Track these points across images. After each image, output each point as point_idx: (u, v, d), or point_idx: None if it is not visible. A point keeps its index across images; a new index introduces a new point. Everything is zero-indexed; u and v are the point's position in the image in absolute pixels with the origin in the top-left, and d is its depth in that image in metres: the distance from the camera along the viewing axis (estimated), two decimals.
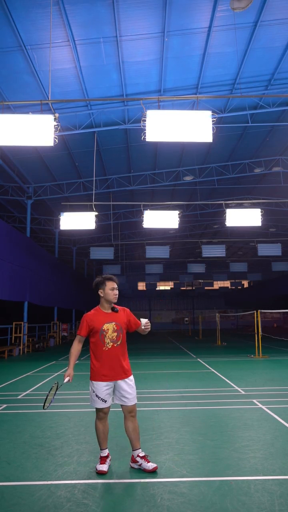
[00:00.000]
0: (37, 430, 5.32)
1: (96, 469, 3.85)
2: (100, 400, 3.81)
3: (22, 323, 19.18)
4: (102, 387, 3.81)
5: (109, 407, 3.90)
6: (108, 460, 3.95)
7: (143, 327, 3.98)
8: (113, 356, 3.83)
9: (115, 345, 3.85)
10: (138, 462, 3.90)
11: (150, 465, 3.84)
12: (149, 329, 4.08)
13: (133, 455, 3.96)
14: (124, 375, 3.87)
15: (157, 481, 3.64)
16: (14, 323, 18.72)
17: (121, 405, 3.91)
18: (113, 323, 3.88)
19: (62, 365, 12.81)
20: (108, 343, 3.83)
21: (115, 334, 3.86)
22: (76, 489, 3.49)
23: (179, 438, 4.85)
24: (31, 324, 21.92)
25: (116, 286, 3.98)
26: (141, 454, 3.91)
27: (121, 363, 3.86)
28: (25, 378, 10.10)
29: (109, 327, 3.85)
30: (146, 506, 3.19)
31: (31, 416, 6.15)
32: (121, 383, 3.85)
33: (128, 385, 3.87)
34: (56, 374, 10.63)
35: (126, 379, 3.87)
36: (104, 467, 3.85)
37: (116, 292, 3.94)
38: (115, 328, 3.87)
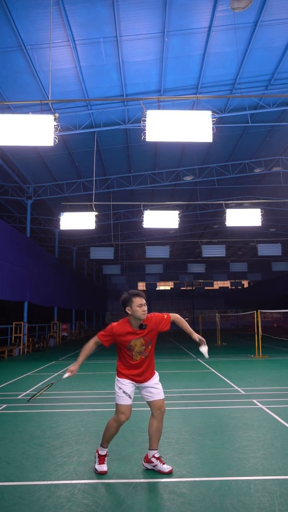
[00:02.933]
0: (37, 430, 5.32)
1: (97, 470, 3.83)
2: (127, 396, 3.77)
3: (22, 323, 19.18)
4: (128, 383, 3.80)
5: (131, 409, 3.85)
6: (106, 459, 3.95)
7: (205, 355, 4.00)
8: (141, 366, 3.82)
9: (143, 357, 3.80)
10: (153, 463, 3.86)
11: (166, 467, 3.81)
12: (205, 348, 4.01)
13: (147, 455, 3.92)
14: (150, 377, 3.89)
15: (157, 481, 3.64)
16: (14, 323, 18.72)
17: (150, 402, 3.87)
18: (141, 338, 3.76)
19: (62, 365, 12.81)
20: (136, 356, 3.78)
21: (143, 347, 3.78)
22: (76, 489, 3.49)
23: (179, 438, 4.85)
24: (31, 324, 21.92)
25: (144, 301, 3.73)
26: (157, 455, 3.88)
27: (148, 369, 3.87)
28: (25, 378, 10.10)
29: (137, 343, 3.75)
30: (146, 506, 3.19)
31: (31, 416, 6.14)
32: (147, 383, 3.87)
33: (154, 381, 3.89)
34: (56, 374, 10.63)
35: (152, 378, 3.91)
36: (104, 467, 3.85)
37: (145, 308, 3.71)
38: (143, 342, 3.77)
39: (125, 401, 3.78)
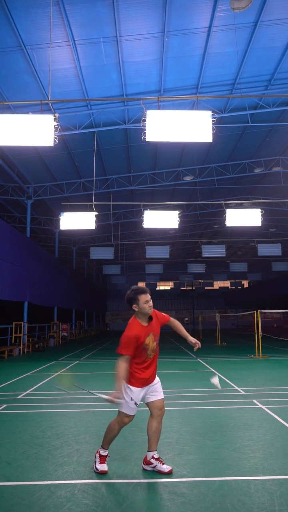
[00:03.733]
0: (37, 430, 5.32)
1: (97, 469, 3.83)
2: (136, 407, 3.77)
3: (22, 323, 19.18)
4: (140, 392, 3.78)
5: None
6: (107, 459, 3.96)
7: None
8: (153, 363, 3.85)
9: (155, 353, 3.84)
10: (152, 464, 3.85)
11: (166, 467, 3.82)
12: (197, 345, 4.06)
13: (146, 457, 3.91)
14: (156, 374, 3.94)
15: (157, 481, 3.64)
16: (14, 323, 18.71)
17: (152, 403, 3.87)
18: (151, 334, 3.78)
19: (62, 365, 12.81)
20: (150, 354, 3.79)
21: (155, 344, 3.81)
22: (76, 489, 3.49)
23: (179, 438, 4.85)
24: (31, 324, 21.92)
25: (149, 297, 3.75)
26: (156, 456, 3.87)
27: (156, 367, 3.92)
28: (25, 378, 10.10)
29: (150, 340, 3.76)
30: (146, 506, 3.19)
31: (31, 416, 6.14)
32: (153, 382, 3.90)
33: (157, 379, 3.94)
34: (56, 374, 10.63)
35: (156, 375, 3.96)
36: (105, 467, 3.85)
37: (151, 303, 3.74)
38: (153, 338, 3.80)
39: (133, 411, 3.79)
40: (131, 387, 3.75)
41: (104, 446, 3.93)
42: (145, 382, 3.79)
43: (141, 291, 3.74)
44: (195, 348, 4.03)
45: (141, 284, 56.26)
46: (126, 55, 12.22)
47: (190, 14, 10.94)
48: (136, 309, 3.74)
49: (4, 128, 10.13)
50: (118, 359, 3.69)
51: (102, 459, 3.90)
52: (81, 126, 15.31)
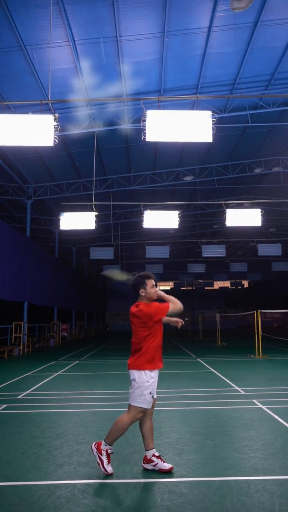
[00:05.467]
0: (37, 430, 5.32)
1: (107, 471, 3.69)
2: (152, 397, 3.71)
3: (22, 323, 19.17)
4: (155, 376, 3.76)
5: None
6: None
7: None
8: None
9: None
10: (153, 462, 3.81)
11: (167, 465, 3.81)
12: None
13: (146, 456, 3.86)
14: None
15: (157, 481, 3.63)
16: (14, 323, 18.71)
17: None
18: None
19: (62, 365, 12.80)
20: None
21: None
22: (76, 489, 3.49)
23: (179, 438, 4.85)
24: (31, 324, 21.92)
25: (155, 282, 3.86)
26: (157, 454, 3.85)
27: None
28: (25, 378, 10.10)
29: None
30: (146, 506, 3.19)
31: (31, 416, 6.14)
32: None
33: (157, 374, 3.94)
34: (56, 374, 10.63)
35: None
36: (111, 468, 3.77)
37: (156, 289, 3.86)
38: None
39: (149, 405, 3.73)
40: (150, 371, 3.72)
41: (110, 443, 3.78)
42: (160, 362, 3.80)
43: (148, 276, 3.85)
44: (178, 325, 4.03)
45: None
46: (126, 55, 12.22)
47: (190, 14, 10.95)
48: (143, 294, 3.81)
49: (4, 128, 10.12)
50: (167, 309, 3.74)
51: (109, 458, 3.78)
52: (81, 126, 15.31)
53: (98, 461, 3.77)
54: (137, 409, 3.70)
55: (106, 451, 3.77)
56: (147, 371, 3.70)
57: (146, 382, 3.68)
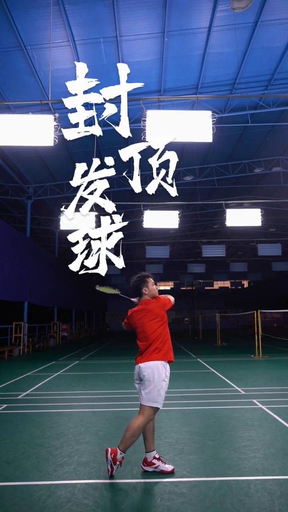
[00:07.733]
0: (37, 430, 5.32)
1: (111, 474, 3.65)
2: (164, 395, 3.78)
3: (22, 323, 19.17)
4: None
5: None
6: None
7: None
8: None
9: None
10: (154, 464, 3.78)
11: (169, 466, 3.80)
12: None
13: (147, 458, 3.83)
14: None
15: (157, 481, 3.64)
16: (14, 323, 18.70)
17: None
18: None
19: (62, 365, 12.80)
20: None
21: None
22: (76, 489, 3.49)
23: (179, 438, 4.85)
24: (31, 324, 21.90)
25: (153, 280, 4.05)
26: (157, 456, 3.85)
27: None
28: (25, 378, 10.10)
29: None
30: (146, 506, 3.19)
31: (31, 416, 6.14)
32: None
33: None
34: (56, 374, 10.63)
35: None
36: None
37: (155, 286, 4.04)
38: None
39: (162, 404, 3.78)
40: (167, 363, 3.84)
41: (124, 451, 3.67)
42: (173, 354, 3.90)
43: (147, 275, 4.03)
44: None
45: None
46: (126, 55, 12.22)
47: (190, 14, 10.94)
48: (146, 292, 3.93)
49: (4, 128, 10.12)
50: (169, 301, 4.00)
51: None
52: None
53: (109, 468, 3.65)
54: (152, 410, 3.70)
55: (121, 461, 3.67)
56: (164, 362, 3.78)
57: (165, 378, 3.78)
